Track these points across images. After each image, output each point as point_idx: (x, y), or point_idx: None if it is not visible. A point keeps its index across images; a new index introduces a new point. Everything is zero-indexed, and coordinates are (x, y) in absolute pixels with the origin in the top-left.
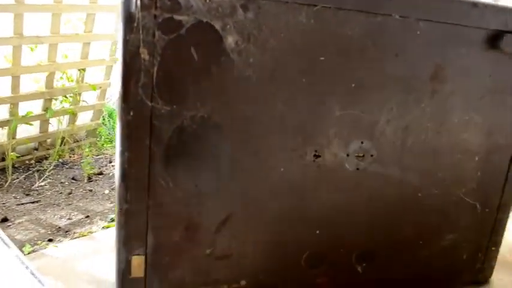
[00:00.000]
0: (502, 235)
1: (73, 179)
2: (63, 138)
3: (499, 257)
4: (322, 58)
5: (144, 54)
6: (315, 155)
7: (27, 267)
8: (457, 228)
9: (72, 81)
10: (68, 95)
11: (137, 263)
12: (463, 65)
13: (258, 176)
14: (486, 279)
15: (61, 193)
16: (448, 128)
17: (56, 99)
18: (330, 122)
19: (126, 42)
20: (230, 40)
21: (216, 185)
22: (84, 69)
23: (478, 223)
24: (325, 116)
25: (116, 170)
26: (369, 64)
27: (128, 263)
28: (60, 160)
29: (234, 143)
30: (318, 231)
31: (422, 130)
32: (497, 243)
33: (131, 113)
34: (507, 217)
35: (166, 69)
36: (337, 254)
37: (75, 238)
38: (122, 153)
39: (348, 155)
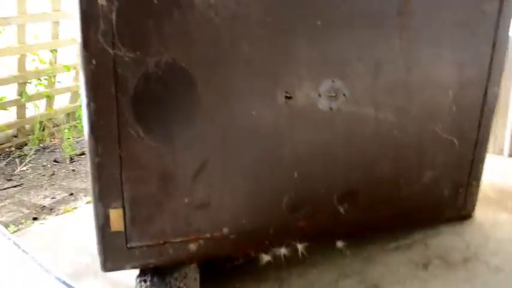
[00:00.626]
0: (481, 170)
1: (55, 161)
2: (41, 122)
3: (481, 194)
4: None
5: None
6: (286, 97)
7: (9, 239)
8: (436, 164)
9: (45, 63)
10: (42, 78)
11: (115, 216)
12: None
13: (230, 121)
14: (469, 215)
15: (43, 175)
16: (419, 64)
17: (30, 83)
18: (299, 62)
19: None
20: None
21: (188, 133)
22: (56, 50)
23: (457, 159)
24: (294, 56)
25: (84, 122)
26: (334, 1)
27: (107, 217)
28: (41, 145)
29: (202, 87)
30: (295, 174)
31: (394, 66)
32: (477, 178)
33: (93, 62)
34: (485, 151)
35: (125, 14)
36: (317, 196)
37: (60, 214)
38: (88, 104)
39: (319, 95)
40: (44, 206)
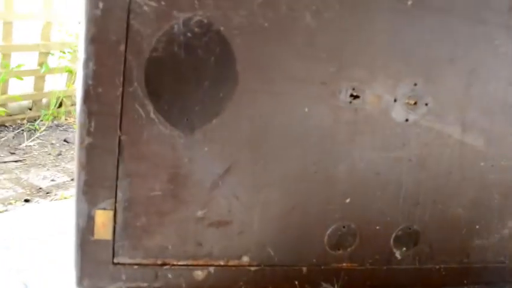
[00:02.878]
0: None
1: (65, 141)
2: (59, 98)
3: None
4: None
5: None
6: (352, 95)
7: None
8: None
9: (71, 35)
10: (66, 51)
11: (103, 219)
12: None
13: (273, 116)
14: None
15: (49, 154)
16: None
17: (52, 55)
18: (376, 50)
19: None
20: None
21: (215, 123)
22: None
23: None
24: (370, 41)
25: (77, 88)
26: None
27: (90, 220)
28: (55, 122)
29: (242, 64)
30: (348, 200)
31: (493, 77)
32: None
33: (100, 5)
34: None
35: None
36: (371, 232)
37: (56, 200)
38: (86, 62)
39: (395, 100)
40: (40, 188)
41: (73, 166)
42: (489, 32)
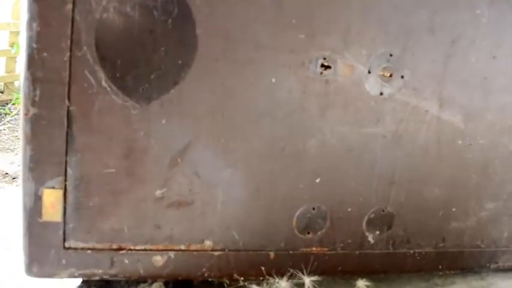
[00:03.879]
0: None
1: None
2: None
3: None
4: None
5: None
6: (322, 65)
7: None
8: (502, 194)
9: None
10: None
11: (52, 199)
12: None
13: (237, 85)
14: None
15: (19, 139)
16: (507, 53)
17: None
18: (349, 15)
19: None
20: None
21: (173, 92)
22: None
23: None
24: (343, 5)
25: (20, 51)
26: None
27: (38, 199)
28: None
29: (202, 27)
30: (318, 180)
31: (474, 49)
32: None
33: None
34: None
35: None
36: (342, 214)
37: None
38: (29, 23)
39: (369, 72)
40: (6, 173)
41: None
42: (473, 2)
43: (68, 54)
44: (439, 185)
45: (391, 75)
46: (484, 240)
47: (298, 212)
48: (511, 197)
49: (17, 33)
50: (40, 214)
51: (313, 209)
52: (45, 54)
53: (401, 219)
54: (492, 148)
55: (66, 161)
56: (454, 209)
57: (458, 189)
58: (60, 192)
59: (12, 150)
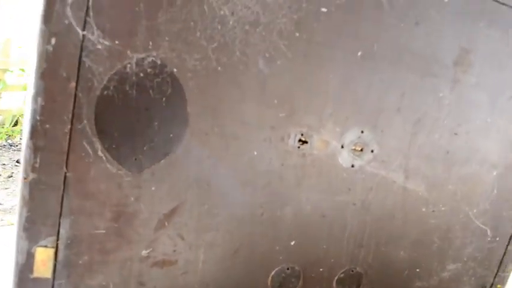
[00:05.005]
0: (510, 272)
1: (17, 162)
2: (15, 116)
3: None
4: (324, 9)
5: None
6: (300, 140)
7: None
8: (462, 257)
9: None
10: (25, 68)
11: (43, 257)
12: (494, 52)
13: (222, 158)
14: None
15: (0, 175)
16: (467, 130)
17: (11, 72)
18: (326, 98)
19: None
20: None
21: (163, 162)
22: None
23: (486, 253)
24: (321, 89)
25: (24, 121)
26: (382, 29)
27: (30, 257)
28: (9, 141)
29: (193, 105)
30: (293, 242)
31: (437, 127)
32: (504, 281)
33: (52, 41)
34: None
35: None
36: (314, 274)
37: (2, 226)
38: (35, 98)
39: (342, 146)
40: None
41: None
42: (435, 84)
43: (69, 126)
44: (404, 247)
45: (362, 150)
46: None
47: (273, 272)
48: (470, 259)
49: (4, 70)
50: (31, 270)
51: (288, 269)
52: (47, 125)
53: (369, 279)
54: (453, 214)
55: (59, 222)
56: (418, 270)
57: (422, 252)
58: (52, 251)
59: None
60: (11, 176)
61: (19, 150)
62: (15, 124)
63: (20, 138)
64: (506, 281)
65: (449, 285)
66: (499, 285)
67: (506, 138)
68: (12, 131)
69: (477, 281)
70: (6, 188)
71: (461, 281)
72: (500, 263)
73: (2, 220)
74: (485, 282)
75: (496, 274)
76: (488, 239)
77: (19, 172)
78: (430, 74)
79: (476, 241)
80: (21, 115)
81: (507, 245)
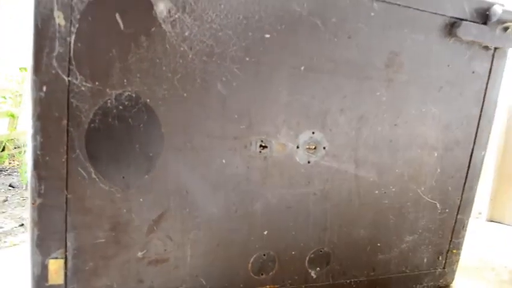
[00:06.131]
0: (463, 237)
1: (10, 185)
2: (1, 142)
3: (463, 261)
4: (267, 35)
5: (59, 18)
6: (261, 146)
7: None
8: (417, 229)
9: (11, 81)
10: (7, 96)
11: (55, 267)
12: (420, 52)
13: (196, 168)
14: (448, 284)
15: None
16: (405, 120)
17: None
18: (278, 108)
19: (37, 3)
20: (162, 7)
21: (146, 177)
22: (25, 69)
23: (438, 224)
24: (272, 101)
25: (27, 156)
26: (319, 45)
27: (44, 268)
28: None
29: (166, 128)
30: (265, 232)
31: (378, 121)
32: (458, 246)
33: (44, 89)
34: (468, 218)
35: (86, 38)
36: (288, 257)
37: (5, 248)
38: (34, 136)
39: (298, 147)
40: None
41: (20, 212)
42: (372, 85)
43: (65, 156)
44: (364, 226)
45: (315, 148)
46: (408, 266)
47: (252, 259)
48: (425, 230)
49: None
50: (46, 279)
51: (264, 255)
52: (47, 158)
53: (336, 256)
54: (403, 194)
55: (66, 237)
56: (379, 244)
57: (380, 229)
58: (62, 261)
59: None
60: (6, 200)
61: (10, 174)
62: (3, 149)
63: (9, 163)
64: (461, 246)
65: (409, 255)
66: (454, 250)
67: (441, 124)
68: (1, 156)
69: (434, 249)
70: (3, 212)
71: (419, 250)
72: (453, 231)
73: (5, 242)
74: (442, 249)
75: (450, 241)
76: (439, 211)
77: (13, 195)
78: (366, 77)
79: (428, 214)
80: (8, 140)
81: (456, 215)
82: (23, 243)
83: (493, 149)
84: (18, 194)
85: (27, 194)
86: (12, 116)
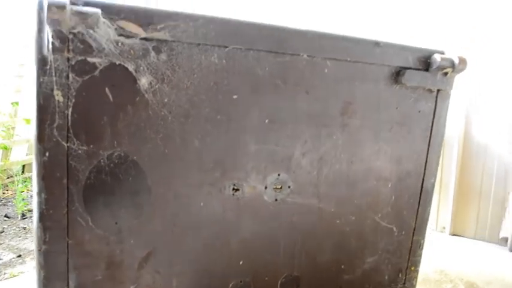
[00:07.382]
0: (420, 255)
1: (6, 216)
2: None
3: (422, 275)
4: (235, 96)
5: (58, 96)
6: (233, 189)
7: None
8: (377, 251)
9: (4, 114)
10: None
11: None
12: (371, 99)
13: (178, 211)
14: None
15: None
16: (360, 158)
17: None
18: (247, 157)
19: (39, 84)
20: (144, 81)
21: (136, 222)
22: (17, 103)
23: (397, 245)
24: (242, 151)
25: (33, 209)
26: (281, 101)
27: None
28: None
29: (152, 179)
30: (241, 262)
31: (336, 160)
32: (416, 264)
33: (47, 154)
34: (423, 238)
35: (81, 110)
36: (262, 282)
37: (5, 279)
38: (39, 194)
39: (266, 188)
40: None
41: (17, 242)
42: (329, 131)
43: (66, 209)
44: (328, 251)
45: (281, 187)
46: (371, 284)
47: (230, 285)
48: (384, 252)
49: None
50: None
51: (241, 281)
52: (51, 211)
53: (305, 279)
54: (362, 221)
55: (68, 277)
56: (343, 266)
57: (343, 253)
58: None
59: None
60: (3, 232)
61: (4, 204)
62: None
63: (3, 193)
64: (419, 263)
65: (371, 274)
66: (412, 267)
67: (393, 159)
68: None
69: (393, 267)
70: (0, 243)
71: (380, 269)
72: (410, 250)
73: (5, 274)
74: (401, 267)
75: (408, 259)
76: (395, 234)
77: (9, 226)
78: (324, 124)
79: (386, 237)
80: (1, 171)
81: (412, 236)
82: (22, 274)
83: (453, 170)
84: (14, 225)
85: (23, 224)
86: (5, 148)
